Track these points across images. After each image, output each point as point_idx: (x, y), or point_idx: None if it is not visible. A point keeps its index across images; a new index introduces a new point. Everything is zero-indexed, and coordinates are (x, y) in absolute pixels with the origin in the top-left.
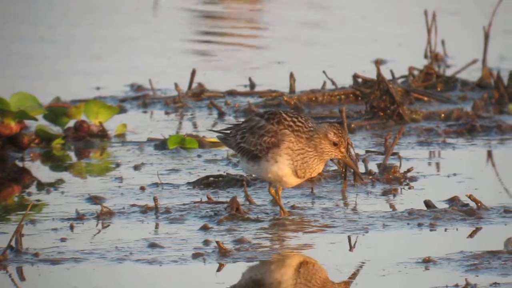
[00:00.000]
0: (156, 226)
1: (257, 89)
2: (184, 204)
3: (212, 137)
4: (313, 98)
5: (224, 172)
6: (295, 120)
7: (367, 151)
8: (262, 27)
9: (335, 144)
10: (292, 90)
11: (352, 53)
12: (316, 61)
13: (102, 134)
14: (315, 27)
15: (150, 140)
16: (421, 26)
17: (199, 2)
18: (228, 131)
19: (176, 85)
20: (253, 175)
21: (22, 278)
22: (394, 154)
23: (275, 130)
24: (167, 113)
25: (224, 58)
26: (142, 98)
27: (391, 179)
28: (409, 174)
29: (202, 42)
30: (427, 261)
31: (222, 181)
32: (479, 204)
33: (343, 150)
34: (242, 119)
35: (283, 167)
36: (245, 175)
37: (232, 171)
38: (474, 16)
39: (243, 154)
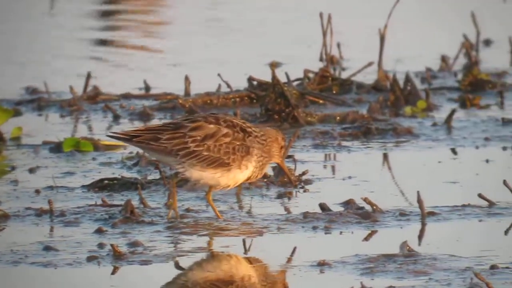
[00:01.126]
0: (51, 229)
1: (152, 92)
2: (79, 207)
3: (107, 140)
4: (208, 101)
5: (119, 175)
6: (249, 125)
7: None
8: (158, 29)
9: (281, 148)
10: (187, 93)
11: (248, 56)
12: (211, 64)
13: None
14: (210, 30)
15: (45, 143)
16: (318, 29)
17: (97, 3)
18: (150, 135)
19: (71, 88)
20: (202, 183)
21: None
22: (289, 157)
23: (242, 137)
24: (62, 116)
25: (119, 60)
26: (37, 101)
27: (286, 182)
28: (304, 177)
29: (98, 44)
30: (322, 264)
31: (117, 184)
32: (374, 207)
33: (282, 154)
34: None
35: (248, 173)
36: (139, 178)
37: (127, 174)
38: (371, 18)
39: (200, 162)
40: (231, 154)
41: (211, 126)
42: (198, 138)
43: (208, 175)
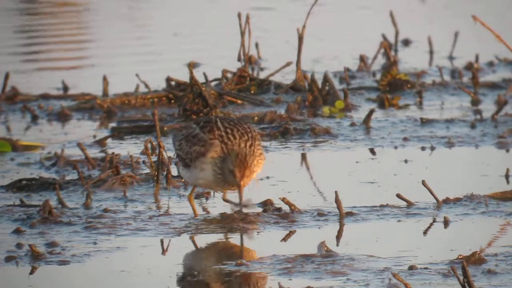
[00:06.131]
0: None
1: (70, 92)
2: None
3: (26, 140)
4: (126, 101)
5: (37, 175)
6: (229, 131)
7: None
8: (77, 30)
9: (233, 173)
10: (105, 93)
11: (167, 56)
12: (130, 64)
13: None
14: (130, 28)
15: None
16: (237, 29)
17: (19, 1)
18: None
19: None
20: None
21: None
22: None
23: (205, 139)
24: None
25: (38, 61)
26: None
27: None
28: None
29: (17, 44)
30: (239, 265)
31: (35, 184)
32: (292, 207)
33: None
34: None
35: (209, 175)
36: (57, 178)
37: (45, 174)
38: (292, 18)
39: (179, 161)
40: (189, 154)
41: (194, 126)
42: (181, 137)
43: (184, 174)
